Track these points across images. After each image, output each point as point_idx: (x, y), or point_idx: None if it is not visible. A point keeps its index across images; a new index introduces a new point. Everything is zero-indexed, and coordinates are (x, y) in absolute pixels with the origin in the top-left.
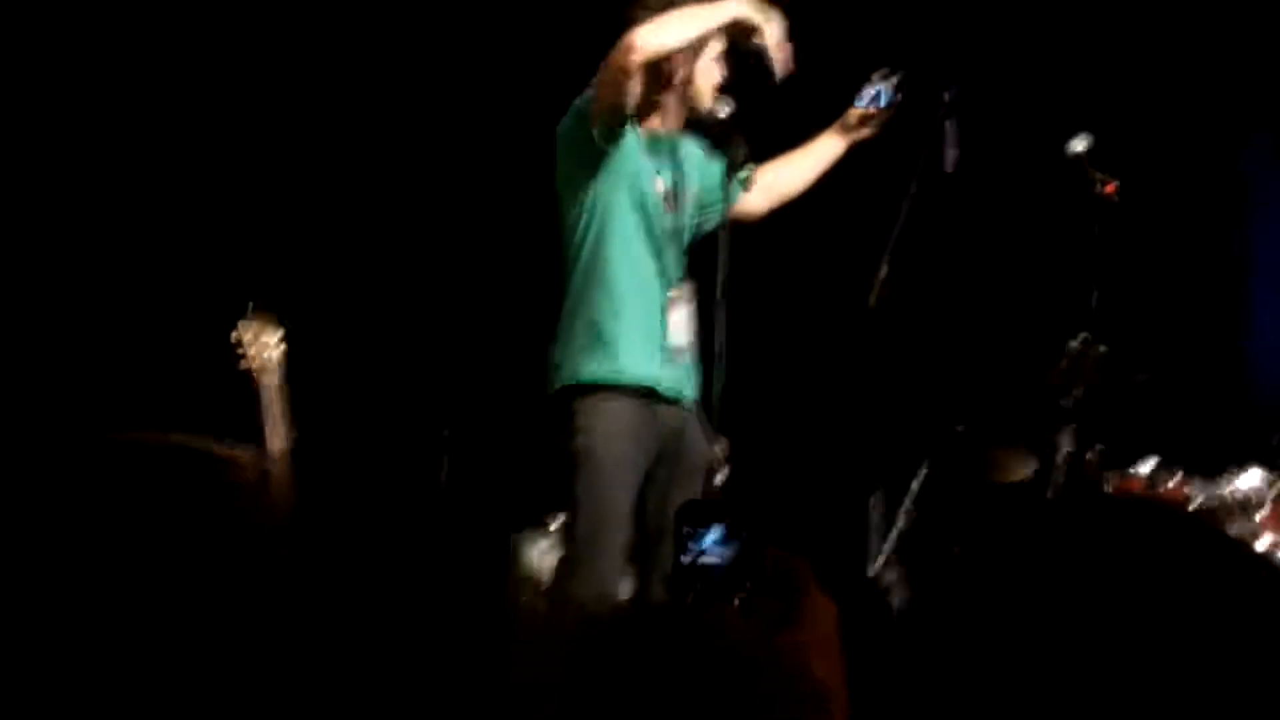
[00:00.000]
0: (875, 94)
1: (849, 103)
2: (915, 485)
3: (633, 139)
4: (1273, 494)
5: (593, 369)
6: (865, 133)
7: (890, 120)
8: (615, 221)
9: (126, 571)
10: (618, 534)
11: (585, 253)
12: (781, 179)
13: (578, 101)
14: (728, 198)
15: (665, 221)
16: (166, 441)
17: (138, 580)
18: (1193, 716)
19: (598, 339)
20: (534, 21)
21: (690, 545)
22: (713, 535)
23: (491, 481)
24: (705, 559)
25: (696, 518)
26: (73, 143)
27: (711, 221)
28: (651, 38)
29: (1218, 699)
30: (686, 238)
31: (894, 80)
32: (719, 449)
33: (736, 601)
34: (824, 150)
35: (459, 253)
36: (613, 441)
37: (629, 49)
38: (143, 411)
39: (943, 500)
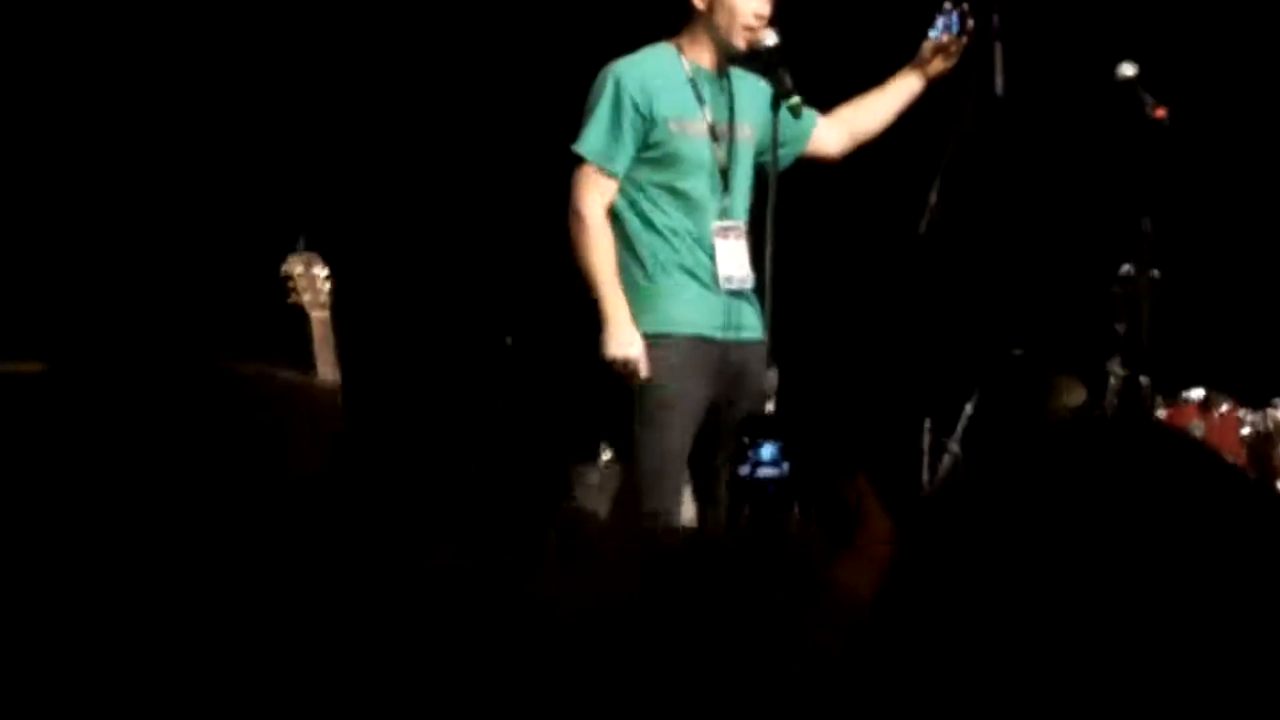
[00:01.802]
0: (947, 23)
1: (911, 35)
2: (967, 411)
3: (663, 78)
4: None
5: (641, 321)
6: (942, 65)
7: (964, 51)
8: (639, 172)
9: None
10: (674, 475)
11: (617, 206)
12: (861, 119)
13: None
14: (780, 128)
15: (711, 155)
16: (241, 369)
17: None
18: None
19: (637, 294)
20: None
21: (749, 457)
22: (770, 449)
23: (552, 399)
24: (762, 472)
25: (756, 431)
26: (122, 84)
27: (789, 157)
28: (576, 230)
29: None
30: (744, 170)
31: (963, 7)
32: (770, 379)
33: (793, 515)
34: (902, 88)
35: (519, 166)
36: (668, 386)
37: (572, 212)
38: (195, 343)
39: (996, 427)
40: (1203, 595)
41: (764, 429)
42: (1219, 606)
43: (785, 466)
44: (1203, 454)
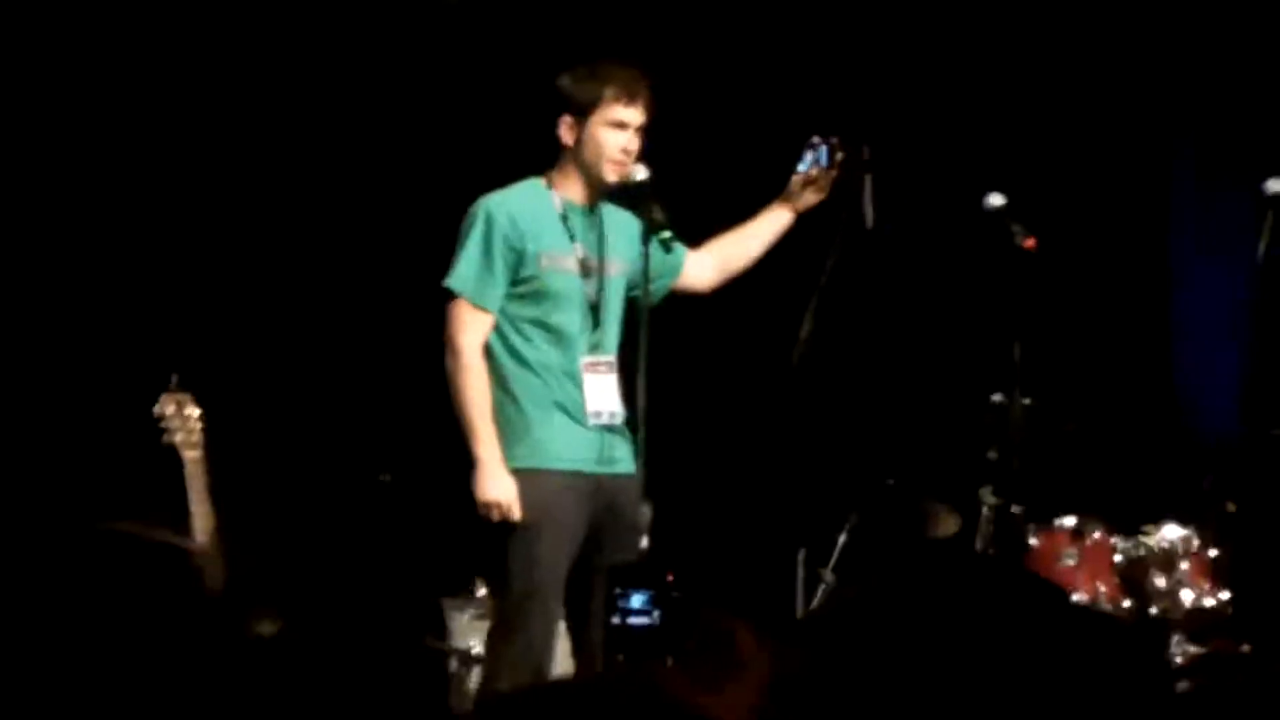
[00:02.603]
0: (815, 156)
1: (779, 168)
2: (841, 540)
3: (534, 213)
4: (1194, 547)
5: (514, 455)
6: (812, 198)
7: (837, 180)
8: (510, 307)
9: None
10: (549, 606)
11: (489, 340)
12: (731, 253)
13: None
14: (651, 262)
15: (581, 290)
16: (117, 529)
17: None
18: None
19: (510, 428)
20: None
21: (619, 606)
22: (641, 597)
23: (428, 534)
24: (634, 620)
25: (625, 580)
26: None
27: (660, 291)
28: (452, 366)
29: None
30: (614, 305)
31: (832, 141)
32: (643, 513)
33: (668, 662)
34: (772, 222)
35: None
36: (540, 520)
37: (448, 348)
38: (67, 489)
39: (870, 556)
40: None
41: (633, 578)
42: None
43: (656, 614)
44: (1044, 589)
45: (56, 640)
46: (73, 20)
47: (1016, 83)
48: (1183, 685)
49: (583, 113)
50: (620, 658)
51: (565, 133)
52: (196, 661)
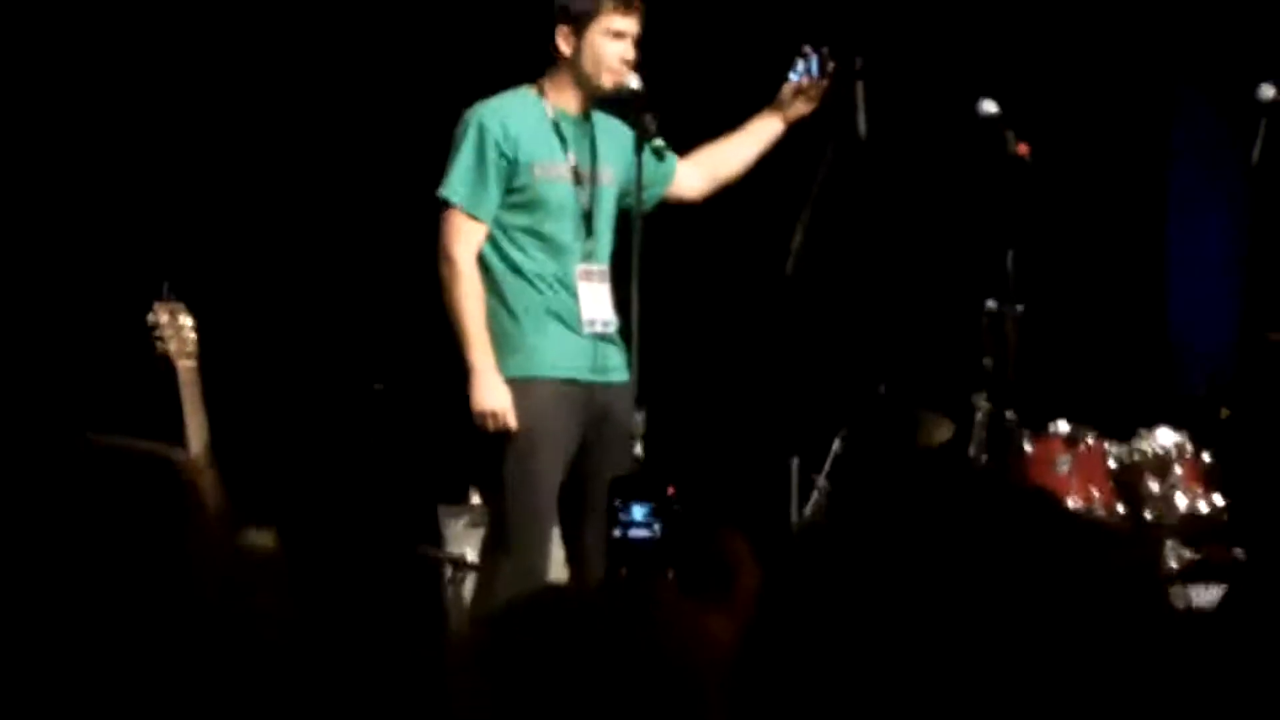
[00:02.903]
0: (806, 66)
1: (770, 78)
2: (835, 448)
3: (526, 122)
4: (1188, 452)
5: (507, 364)
6: (802, 109)
7: (826, 93)
8: (503, 216)
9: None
10: (543, 516)
11: (483, 250)
12: (721, 161)
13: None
14: (644, 170)
15: (574, 199)
16: (101, 443)
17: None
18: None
19: (504, 338)
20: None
21: (620, 519)
22: (642, 509)
23: (422, 443)
24: (635, 533)
25: (626, 492)
26: None
27: (652, 199)
28: (446, 276)
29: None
30: (607, 213)
31: (823, 51)
32: (636, 420)
33: (669, 576)
34: (763, 130)
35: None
36: (535, 430)
37: (443, 258)
38: (60, 399)
39: (864, 463)
40: (1030, 620)
41: (634, 489)
42: (1047, 631)
43: (657, 526)
44: (1034, 498)
45: (41, 556)
46: None
47: None
48: (1177, 590)
49: (581, 22)
50: (622, 571)
51: (562, 42)
52: (188, 576)
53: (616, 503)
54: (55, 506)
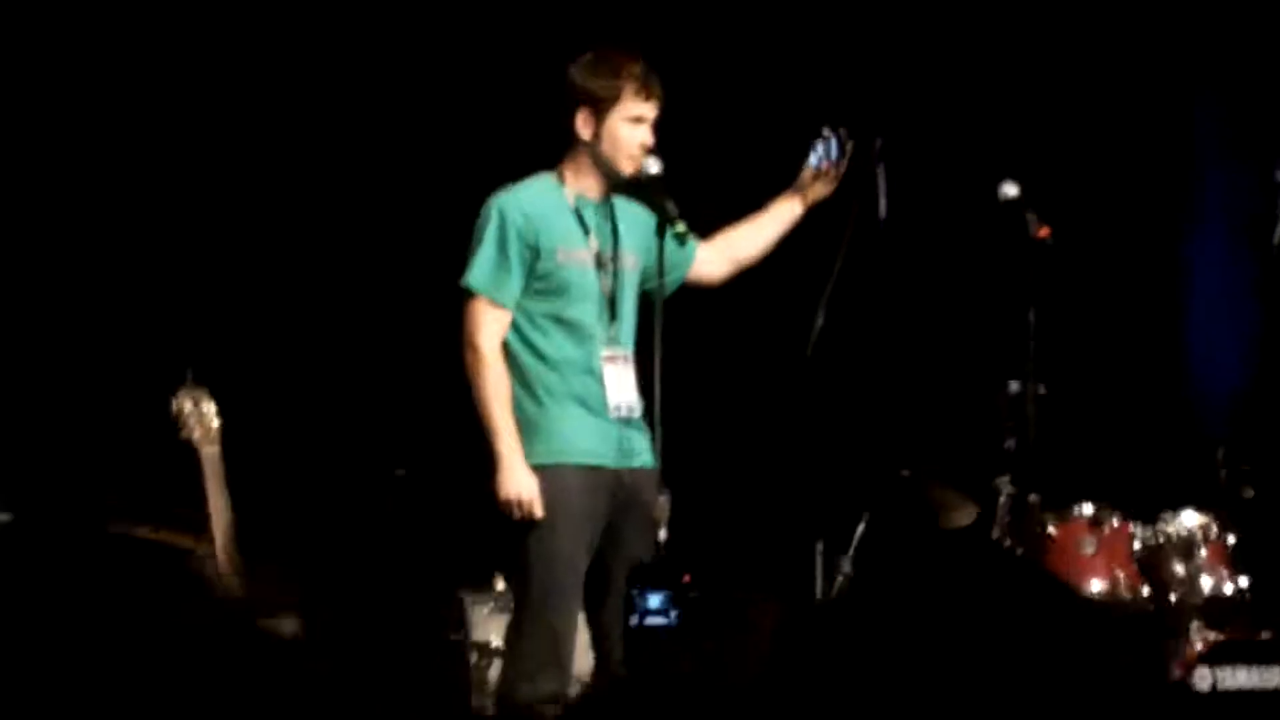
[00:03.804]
0: (825, 149)
1: (790, 161)
2: (859, 531)
3: (547, 208)
4: (1212, 534)
5: (533, 451)
6: (822, 191)
7: (845, 175)
8: (526, 303)
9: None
10: (569, 601)
11: (506, 337)
12: (741, 244)
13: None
14: (665, 254)
15: (597, 283)
16: (122, 531)
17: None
18: None
19: (529, 424)
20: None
21: (636, 607)
22: (658, 598)
23: (442, 530)
24: (652, 621)
25: (642, 581)
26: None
27: (672, 283)
28: (471, 363)
29: None
30: (630, 297)
31: (841, 133)
32: (661, 504)
33: (685, 661)
34: (782, 213)
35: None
36: (560, 515)
37: (467, 346)
38: (81, 484)
39: (887, 546)
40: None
41: (650, 578)
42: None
43: (674, 614)
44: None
45: (60, 645)
46: (87, 17)
47: (1031, 71)
48: (1203, 672)
49: (601, 107)
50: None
51: (581, 126)
52: (210, 663)
53: (633, 591)
54: (71, 593)
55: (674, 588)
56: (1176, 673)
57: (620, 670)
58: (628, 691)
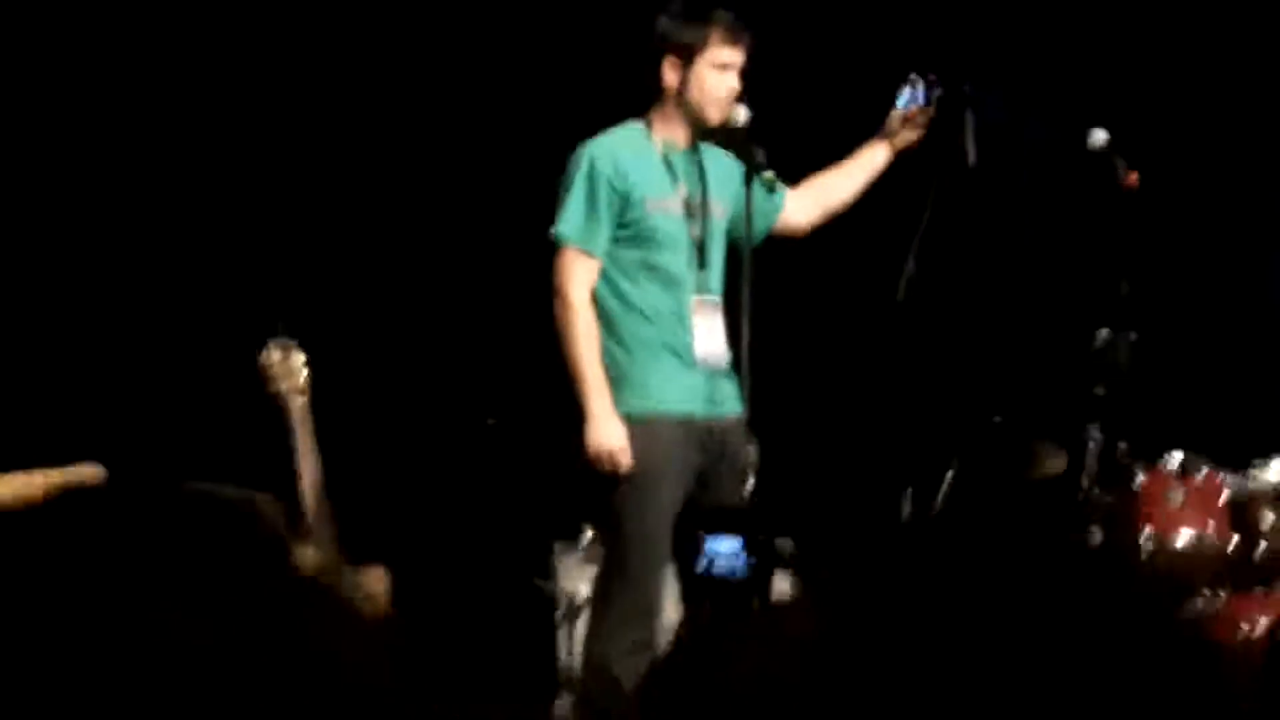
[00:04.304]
0: (913, 94)
1: (877, 108)
2: (947, 480)
3: (636, 156)
4: None
5: (623, 401)
6: (910, 136)
7: (933, 120)
8: (616, 251)
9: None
10: (658, 553)
11: (595, 286)
12: (829, 192)
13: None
14: (753, 203)
15: (686, 231)
16: (191, 490)
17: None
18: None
19: (619, 374)
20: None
21: (704, 553)
22: (727, 544)
23: (532, 479)
24: (718, 568)
25: (711, 526)
26: (89, 169)
27: (761, 232)
28: (561, 313)
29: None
30: (718, 245)
31: (929, 78)
32: (750, 453)
33: (755, 608)
34: (870, 160)
35: (501, 248)
36: (651, 467)
37: (557, 296)
38: (168, 440)
39: (976, 494)
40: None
41: (719, 523)
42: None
43: (743, 560)
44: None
45: (128, 601)
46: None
47: (1120, 15)
48: None
49: (688, 55)
50: (706, 606)
51: (669, 74)
52: (271, 622)
53: (699, 538)
54: (144, 552)
55: (747, 537)
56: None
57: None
58: (715, 645)
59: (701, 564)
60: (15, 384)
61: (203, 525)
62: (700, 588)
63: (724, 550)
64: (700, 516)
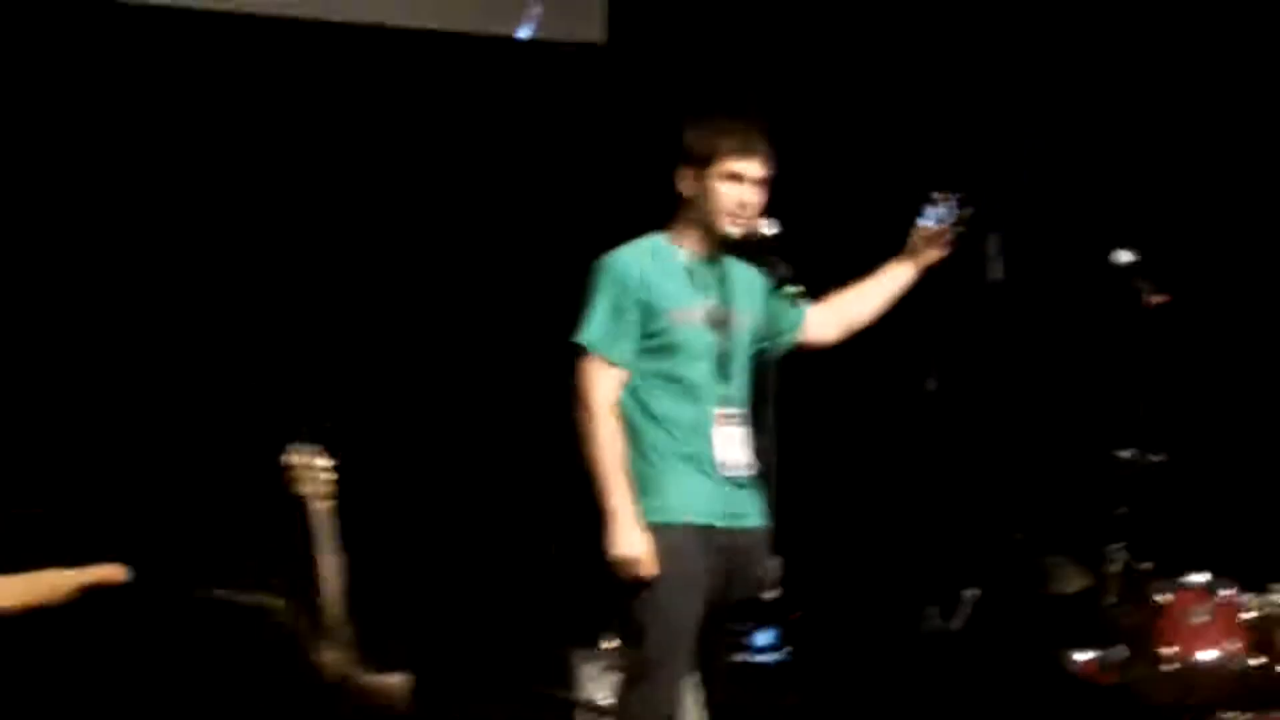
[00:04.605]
0: (938, 212)
1: (903, 223)
2: (969, 596)
3: (659, 267)
4: None
5: (644, 509)
6: (934, 255)
7: (957, 239)
8: (639, 362)
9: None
10: (680, 659)
11: (621, 397)
12: (852, 307)
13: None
14: (777, 316)
15: (709, 342)
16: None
17: None
18: None
19: (641, 482)
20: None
21: (742, 644)
22: (765, 636)
23: (551, 586)
24: (760, 659)
25: (751, 617)
26: (117, 267)
27: (784, 345)
28: (584, 421)
29: None
30: (742, 357)
31: (955, 196)
32: (771, 567)
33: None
34: (893, 277)
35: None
36: (672, 574)
37: (580, 404)
38: (193, 541)
39: (997, 611)
40: None
41: (756, 616)
42: None
43: (783, 652)
44: None
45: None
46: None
47: (1148, 138)
48: None
49: (700, 165)
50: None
51: (683, 185)
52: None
53: (737, 629)
54: (159, 656)
55: (783, 624)
56: None
57: None
58: None
59: (741, 655)
60: (40, 484)
61: (220, 630)
62: (743, 677)
63: (762, 642)
64: (737, 610)
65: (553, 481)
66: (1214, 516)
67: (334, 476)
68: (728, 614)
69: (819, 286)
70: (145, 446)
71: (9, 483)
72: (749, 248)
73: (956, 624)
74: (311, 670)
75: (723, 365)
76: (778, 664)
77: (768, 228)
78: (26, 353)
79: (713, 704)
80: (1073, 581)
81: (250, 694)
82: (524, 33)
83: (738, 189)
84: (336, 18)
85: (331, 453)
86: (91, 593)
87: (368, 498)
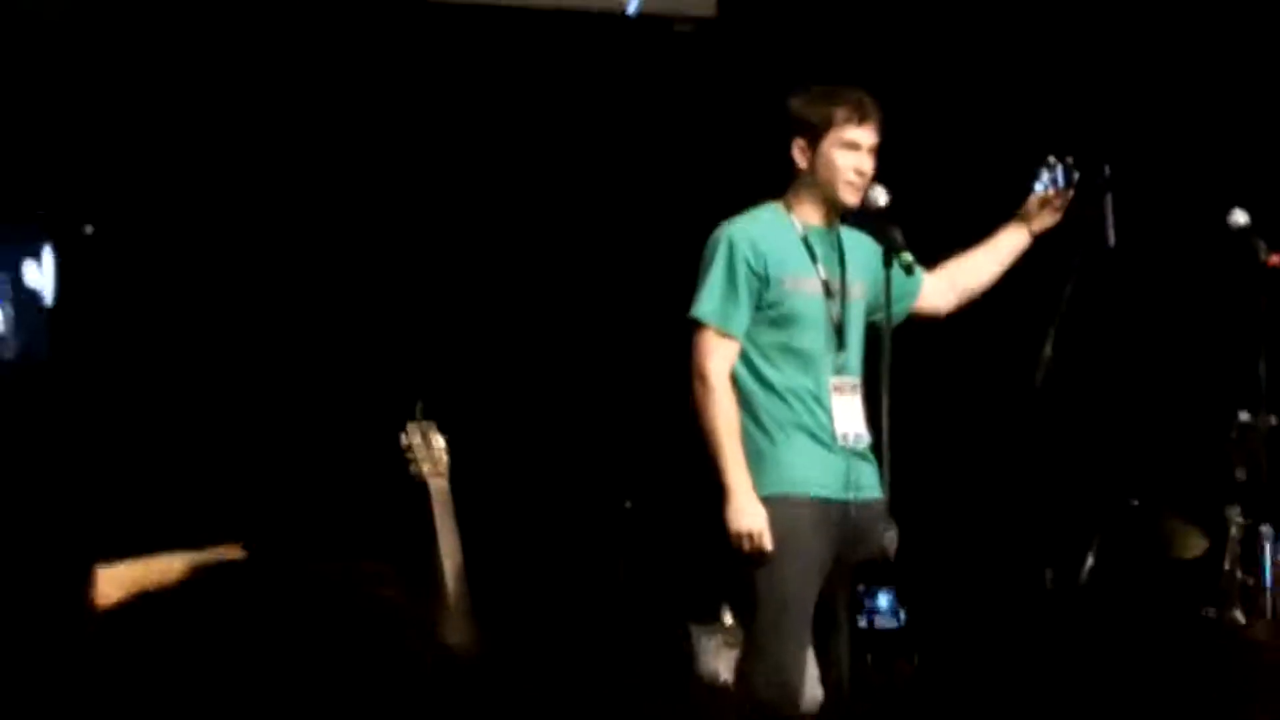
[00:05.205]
0: (1051, 176)
1: (1016, 189)
2: (1089, 561)
3: (775, 237)
4: None
5: (761, 482)
6: (1048, 220)
7: (1072, 203)
8: (754, 332)
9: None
10: (799, 634)
11: (734, 367)
12: (967, 275)
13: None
14: (892, 285)
15: (825, 312)
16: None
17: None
18: None
19: (757, 455)
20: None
21: (865, 606)
22: (885, 598)
23: (672, 561)
24: (880, 623)
25: (871, 580)
26: (231, 251)
27: (899, 313)
28: (700, 394)
29: None
30: (857, 326)
31: (1068, 160)
32: (890, 538)
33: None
34: (1008, 243)
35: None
36: (789, 548)
37: (696, 376)
38: (311, 522)
39: (1117, 576)
40: None
41: (878, 577)
42: None
43: (902, 614)
44: None
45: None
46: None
47: (1262, 98)
48: None
49: (814, 134)
50: (868, 658)
51: (798, 155)
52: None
53: (859, 591)
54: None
55: (899, 589)
56: None
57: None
58: None
59: (862, 620)
60: (160, 467)
61: (335, 610)
62: (861, 641)
63: (883, 606)
64: (859, 573)
65: (669, 455)
66: None
67: (449, 455)
68: (850, 584)
69: (931, 255)
70: (265, 428)
71: (128, 466)
72: (863, 217)
73: (1076, 588)
74: (432, 648)
75: (838, 334)
76: (896, 629)
77: (882, 197)
78: (146, 337)
79: (834, 676)
80: (1191, 545)
81: (364, 675)
82: (633, 8)
83: (854, 156)
84: None
85: (444, 431)
86: (204, 569)
87: (485, 476)
